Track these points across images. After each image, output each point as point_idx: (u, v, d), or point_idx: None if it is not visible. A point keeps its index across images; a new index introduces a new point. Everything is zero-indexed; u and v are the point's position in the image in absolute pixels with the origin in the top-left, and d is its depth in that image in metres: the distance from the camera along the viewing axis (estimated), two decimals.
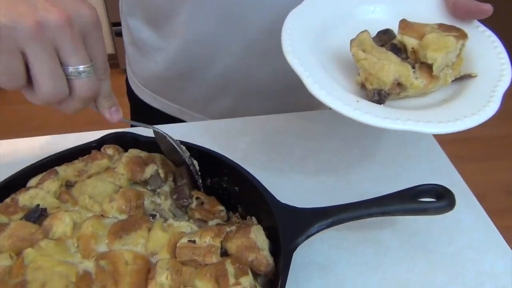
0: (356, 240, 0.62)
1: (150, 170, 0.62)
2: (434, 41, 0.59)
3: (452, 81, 0.61)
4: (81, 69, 0.48)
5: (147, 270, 0.51)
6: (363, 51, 0.62)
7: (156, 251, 0.52)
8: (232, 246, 0.53)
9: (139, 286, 0.49)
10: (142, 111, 0.98)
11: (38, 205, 0.56)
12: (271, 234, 0.55)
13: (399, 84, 0.58)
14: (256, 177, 0.66)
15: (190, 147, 0.63)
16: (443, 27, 0.62)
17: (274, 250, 0.54)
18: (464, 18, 0.65)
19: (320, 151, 0.75)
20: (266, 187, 0.58)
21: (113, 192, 0.59)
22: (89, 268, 0.51)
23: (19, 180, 0.60)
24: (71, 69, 0.47)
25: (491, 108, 0.55)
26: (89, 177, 0.61)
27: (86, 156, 0.63)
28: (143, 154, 0.64)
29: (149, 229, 0.54)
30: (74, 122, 2.24)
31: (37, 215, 0.55)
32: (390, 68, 0.58)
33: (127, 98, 1.02)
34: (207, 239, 0.52)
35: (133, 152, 0.64)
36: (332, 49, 0.67)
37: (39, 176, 0.60)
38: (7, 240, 0.52)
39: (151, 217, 0.57)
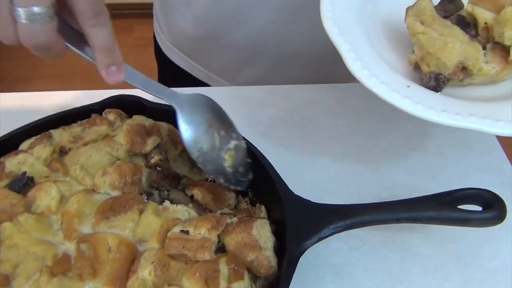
0: (380, 242, 0.54)
1: (152, 142, 0.55)
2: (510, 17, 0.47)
3: None
4: (35, 10, 0.38)
5: (132, 259, 0.45)
6: (422, 23, 0.51)
7: (145, 238, 0.46)
8: (231, 241, 0.45)
9: (119, 279, 0.43)
10: (169, 72, 0.92)
11: (24, 172, 0.51)
12: (279, 229, 0.48)
13: (463, 69, 0.48)
14: (273, 156, 0.58)
15: None
16: None
17: (281, 248, 0.47)
18: None
19: (352, 132, 0.66)
20: (282, 169, 0.50)
21: (109, 164, 0.52)
22: (69, 251, 0.45)
23: (12, 141, 0.55)
24: (20, 10, 0.38)
25: None
26: (85, 144, 0.54)
27: (85, 121, 0.57)
28: (148, 122, 0.57)
29: (141, 211, 0.48)
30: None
31: (22, 184, 0.50)
32: (454, 47, 0.48)
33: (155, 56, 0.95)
34: (202, 231, 0.45)
35: (136, 119, 0.57)
36: (382, 18, 0.57)
37: (32, 139, 0.55)
38: None
39: (146, 196, 0.50)
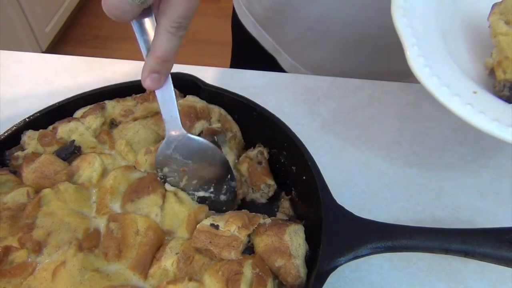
0: (428, 267, 0.49)
1: (200, 126, 0.53)
2: None
3: None
4: None
5: (158, 246, 0.44)
6: (507, 22, 0.44)
7: (173, 229, 0.45)
8: (260, 243, 0.43)
9: (143, 265, 0.42)
10: (241, 40, 0.91)
11: (73, 141, 0.51)
12: (314, 236, 0.45)
13: None
14: (325, 155, 0.55)
15: (252, 107, 0.53)
16: None
17: (312, 258, 0.43)
18: None
19: (417, 139, 0.60)
20: (332, 171, 0.48)
21: (153, 143, 0.52)
22: (100, 226, 0.46)
23: (69, 107, 0.56)
24: None
25: None
26: (135, 119, 0.54)
27: (139, 95, 0.57)
28: (200, 104, 0.55)
29: (163, 196, 0.47)
30: (201, 37, 2.24)
31: (69, 152, 0.51)
32: None
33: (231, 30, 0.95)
34: (232, 228, 0.43)
35: (189, 100, 0.56)
36: (463, 12, 0.50)
37: (87, 108, 0.55)
38: (32, 174, 0.49)
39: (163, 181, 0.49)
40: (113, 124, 0.55)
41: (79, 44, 2.43)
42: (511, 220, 0.45)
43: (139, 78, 0.55)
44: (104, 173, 0.49)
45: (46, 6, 2.24)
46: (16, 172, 0.50)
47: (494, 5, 0.46)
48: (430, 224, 0.50)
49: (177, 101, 0.55)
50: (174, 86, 0.57)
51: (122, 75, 0.71)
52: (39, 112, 0.55)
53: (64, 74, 0.71)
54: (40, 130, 0.53)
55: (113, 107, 0.55)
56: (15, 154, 0.51)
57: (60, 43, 2.39)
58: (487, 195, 0.54)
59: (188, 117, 0.53)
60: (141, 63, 0.72)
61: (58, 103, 0.56)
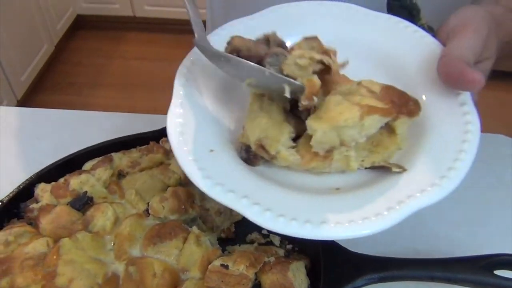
0: None
1: None
2: (329, 106, 0.42)
3: (367, 168, 0.45)
4: None
5: (174, 287, 0.48)
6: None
7: (188, 267, 0.49)
8: (267, 280, 0.48)
9: None
10: None
11: (85, 192, 0.55)
12: (313, 269, 0.50)
13: (264, 148, 0.44)
14: None
15: None
16: (384, 93, 0.44)
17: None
18: (447, 84, 0.46)
19: None
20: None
21: (160, 191, 0.56)
22: (118, 271, 0.49)
23: (77, 160, 0.60)
24: None
25: (391, 218, 0.39)
26: (141, 170, 0.59)
27: (143, 147, 0.62)
28: None
29: (185, 240, 0.51)
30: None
31: (83, 203, 0.55)
32: (260, 122, 0.44)
33: None
34: (240, 267, 0.47)
35: None
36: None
37: (95, 160, 0.60)
38: (49, 224, 0.52)
39: (189, 225, 0.54)
40: (120, 175, 0.59)
41: (54, 92, 2.46)
42: (485, 248, 0.51)
43: (135, 130, 0.61)
44: (116, 221, 0.53)
45: (22, 55, 2.27)
46: (31, 223, 0.54)
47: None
48: (413, 255, 0.55)
49: None
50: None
51: (119, 128, 0.75)
52: (50, 165, 0.59)
53: (64, 128, 0.75)
54: (53, 183, 0.57)
55: (120, 159, 0.60)
56: (30, 206, 0.55)
57: (35, 92, 2.41)
58: (461, 226, 0.61)
59: None
60: (135, 116, 0.78)
61: (67, 156, 0.60)
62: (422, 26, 0.54)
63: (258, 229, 0.56)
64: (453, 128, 0.44)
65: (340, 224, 0.39)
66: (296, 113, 0.47)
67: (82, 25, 2.83)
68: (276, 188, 0.43)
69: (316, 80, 0.43)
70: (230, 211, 0.58)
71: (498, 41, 0.50)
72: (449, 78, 0.45)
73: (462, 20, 0.48)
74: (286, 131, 0.45)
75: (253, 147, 0.44)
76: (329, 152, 0.43)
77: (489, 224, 0.62)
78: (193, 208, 0.55)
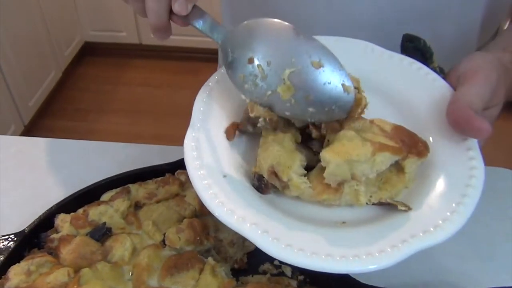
0: None
1: None
2: (343, 140, 0.45)
3: (374, 204, 0.46)
4: None
5: None
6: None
7: None
8: None
9: None
10: None
11: (104, 223, 0.57)
12: None
13: (276, 174, 0.45)
14: None
15: None
16: (395, 132, 0.46)
17: None
18: (454, 129, 0.48)
19: None
20: None
21: (176, 222, 0.58)
22: None
23: (96, 192, 0.63)
24: None
25: (394, 256, 0.41)
26: (158, 201, 0.61)
27: (160, 179, 0.64)
28: None
29: (201, 270, 0.53)
30: (181, 110, 2.34)
31: (101, 234, 0.56)
32: (273, 150, 0.46)
33: None
34: None
35: None
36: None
37: (113, 192, 0.62)
38: (70, 254, 0.54)
39: (203, 255, 0.55)
40: (137, 206, 0.61)
41: (61, 117, 2.50)
42: (493, 282, 0.52)
43: (149, 161, 0.62)
44: (134, 251, 0.55)
45: (30, 81, 2.32)
46: (52, 253, 0.56)
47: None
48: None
49: None
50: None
51: (133, 158, 0.77)
52: (69, 196, 0.61)
53: (80, 159, 0.77)
54: (72, 214, 0.59)
55: (137, 190, 0.62)
56: (51, 236, 0.57)
57: (42, 117, 2.44)
58: (468, 259, 0.63)
59: None
60: (148, 147, 0.80)
61: (86, 188, 0.62)
62: (434, 69, 0.56)
63: (270, 259, 0.58)
64: (458, 172, 0.46)
65: (345, 258, 0.40)
66: (307, 145, 0.50)
67: (89, 51, 2.88)
68: (284, 218, 0.45)
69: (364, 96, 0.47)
70: (243, 241, 0.60)
71: (506, 88, 0.52)
72: (456, 124, 0.47)
73: (473, 66, 0.51)
74: (298, 159, 0.47)
75: (266, 175, 0.46)
76: (340, 185, 0.45)
77: (495, 257, 0.63)
78: (207, 239, 0.57)
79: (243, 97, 0.49)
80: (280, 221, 0.44)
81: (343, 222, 0.45)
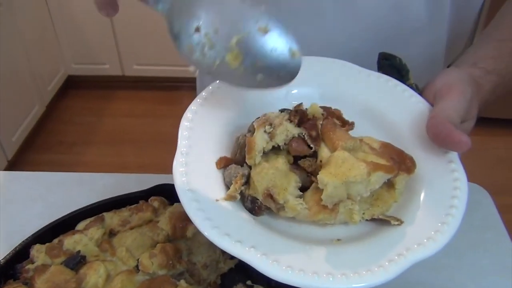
0: None
1: (193, 228, 0.62)
2: (338, 162, 0.45)
3: (368, 220, 0.48)
4: None
5: None
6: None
7: None
8: None
9: None
10: None
11: (79, 251, 0.59)
12: None
13: (272, 197, 0.46)
14: None
15: None
16: (384, 150, 0.48)
17: None
18: (435, 143, 0.50)
19: None
20: None
21: (150, 247, 0.60)
22: None
23: (71, 221, 0.64)
24: None
25: (387, 272, 0.42)
26: (131, 228, 0.62)
27: (133, 206, 0.65)
28: None
29: None
30: (165, 138, 2.37)
31: (76, 262, 0.58)
32: (268, 173, 0.47)
33: None
34: None
35: (177, 207, 0.65)
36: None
37: (87, 221, 0.63)
38: (44, 284, 0.55)
39: (176, 279, 0.57)
40: (111, 233, 0.63)
41: (45, 151, 2.50)
42: None
43: (125, 189, 0.64)
44: (108, 278, 0.57)
45: (13, 116, 2.32)
46: (27, 283, 0.57)
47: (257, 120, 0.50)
48: None
49: (166, 209, 0.65)
50: (162, 195, 0.67)
51: (110, 188, 0.79)
52: (45, 227, 0.63)
53: (58, 190, 0.78)
54: (47, 244, 0.60)
55: (111, 218, 0.64)
56: (26, 267, 0.58)
57: (26, 151, 2.44)
58: (440, 270, 0.65)
59: (181, 220, 0.62)
60: (125, 176, 0.82)
61: (61, 218, 0.64)
62: (410, 85, 0.58)
63: (243, 280, 0.60)
64: (443, 185, 0.48)
65: (345, 276, 0.41)
66: (299, 164, 0.50)
67: (73, 85, 2.91)
68: (281, 239, 0.45)
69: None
70: (217, 263, 0.62)
71: (479, 102, 0.55)
72: (437, 138, 0.49)
73: (447, 82, 0.53)
74: (293, 180, 0.47)
75: (261, 197, 0.46)
76: (336, 205, 0.46)
77: (464, 267, 0.66)
78: (180, 263, 0.59)
79: (191, 69, 0.50)
80: (277, 242, 0.44)
81: (338, 240, 0.46)
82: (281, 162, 0.48)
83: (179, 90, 2.75)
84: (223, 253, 0.62)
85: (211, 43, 0.47)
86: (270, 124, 0.48)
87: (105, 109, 2.79)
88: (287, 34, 0.47)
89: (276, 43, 0.47)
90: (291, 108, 0.52)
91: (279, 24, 0.47)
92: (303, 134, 0.49)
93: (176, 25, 0.47)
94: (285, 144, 0.49)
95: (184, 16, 0.47)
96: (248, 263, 0.42)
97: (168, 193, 0.67)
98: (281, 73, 0.47)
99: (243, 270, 0.61)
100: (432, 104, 0.54)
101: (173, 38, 0.47)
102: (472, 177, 0.75)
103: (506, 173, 2.17)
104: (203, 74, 0.49)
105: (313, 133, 0.49)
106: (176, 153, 0.49)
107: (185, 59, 0.48)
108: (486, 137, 2.29)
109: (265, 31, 0.47)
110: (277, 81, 0.47)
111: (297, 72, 0.48)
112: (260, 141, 0.48)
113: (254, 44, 0.47)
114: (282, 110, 0.52)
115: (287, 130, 0.49)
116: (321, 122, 0.50)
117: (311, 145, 0.49)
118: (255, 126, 0.49)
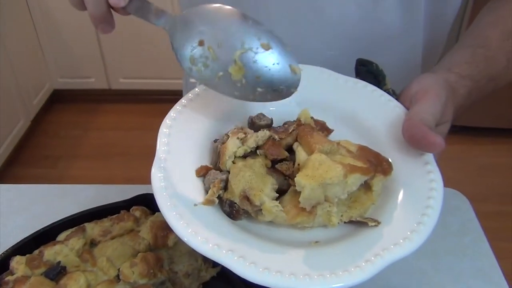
0: None
1: (174, 237, 0.62)
2: (315, 164, 0.46)
3: (346, 222, 0.48)
4: None
5: None
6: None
7: None
8: None
9: None
10: None
11: (59, 262, 0.59)
12: None
13: (248, 199, 0.46)
14: None
15: None
16: (360, 153, 0.49)
17: None
18: (411, 145, 0.51)
19: None
20: None
21: (131, 256, 0.60)
22: None
23: (52, 232, 0.64)
24: None
25: (364, 272, 0.42)
26: (112, 238, 0.63)
27: (114, 216, 0.66)
28: None
29: None
30: (152, 151, 2.36)
31: (56, 273, 0.58)
32: (244, 175, 0.47)
33: None
34: None
35: (159, 216, 0.65)
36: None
37: (69, 231, 0.63)
38: None
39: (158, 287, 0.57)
40: (92, 243, 0.63)
41: (30, 165, 2.48)
42: None
43: (108, 200, 0.64)
44: None
45: None
46: None
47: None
48: None
49: (147, 218, 0.65)
50: (144, 205, 0.67)
51: (92, 199, 0.79)
52: (25, 238, 0.62)
53: (40, 202, 0.78)
54: (27, 255, 0.60)
55: (92, 228, 0.64)
56: (6, 279, 0.58)
57: (11, 165, 2.42)
58: (412, 275, 0.66)
59: (162, 229, 0.62)
60: (107, 187, 0.82)
61: (42, 229, 0.64)
62: (387, 91, 0.59)
63: None
64: (419, 186, 0.49)
65: (322, 277, 0.42)
66: (276, 168, 0.51)
67: (58, 99, 2.90)
68: (259, 242, 0.46)
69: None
70: (198, 272, 0.62)
71: (454, 106, 0.56)
72: (413, 140, 0.50)
73: (423, 86, 0.55)
74: (270, 182, 0.48)
75: (238, 200, 0.47)
76: (313, 208, 0.46)
77: (440, 272, 0.67)
78: (161, 272, 0.59)
79: (191, 80, 0.51)
80: (255, 245, 0.45)
81: (316, 242, 0.47)
82: (258, 166, 0.49)
83: (166, 103, 2.69)
84: (205, 261, 0.63)
85: (215, 56, 0.50)
86: (245, 133, 0.49)
87: (92, 123, 2.78)
88: (288, 51, 0.50)
89: (278, 59, 0.50)
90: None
91: (280, 42, 0.50)
92: (275, 137, 0.50)
93: (179, 38, 0.49)
94: (259, 148, 0.50)
95: (187, 30, 0.50)
96: (226, 266, 0.42)
97: (150, 202, 0.67)
98: (281, 88, 0.49)
99: (225, 278, 0.62)
100: (408, 109, 0.55)
101: (175, 50, 0.50)
102: (454, 185, 0.77)
103: (487, 180, 2.20)
104: (202, 85, 0.50)
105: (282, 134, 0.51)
106: (155, 159, 0.49)
107: (186, 70, 0.50)
108: (468, 146, 2.33)
109: (267, 48, 0.50)
110: (276, 96, 0.50)
111: (296, 88, 0.50)
112: (231, 146, 0.49)
113: (256, 59, 0.50)
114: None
115: (257, 136, 0.50)
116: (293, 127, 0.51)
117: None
118: (229, 135, 0.50)
